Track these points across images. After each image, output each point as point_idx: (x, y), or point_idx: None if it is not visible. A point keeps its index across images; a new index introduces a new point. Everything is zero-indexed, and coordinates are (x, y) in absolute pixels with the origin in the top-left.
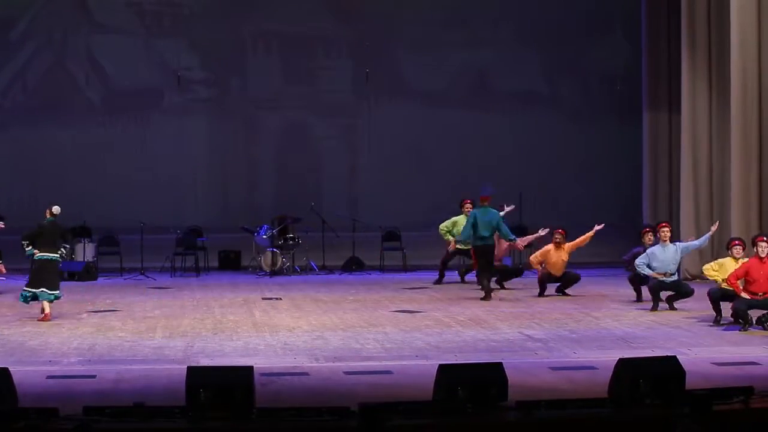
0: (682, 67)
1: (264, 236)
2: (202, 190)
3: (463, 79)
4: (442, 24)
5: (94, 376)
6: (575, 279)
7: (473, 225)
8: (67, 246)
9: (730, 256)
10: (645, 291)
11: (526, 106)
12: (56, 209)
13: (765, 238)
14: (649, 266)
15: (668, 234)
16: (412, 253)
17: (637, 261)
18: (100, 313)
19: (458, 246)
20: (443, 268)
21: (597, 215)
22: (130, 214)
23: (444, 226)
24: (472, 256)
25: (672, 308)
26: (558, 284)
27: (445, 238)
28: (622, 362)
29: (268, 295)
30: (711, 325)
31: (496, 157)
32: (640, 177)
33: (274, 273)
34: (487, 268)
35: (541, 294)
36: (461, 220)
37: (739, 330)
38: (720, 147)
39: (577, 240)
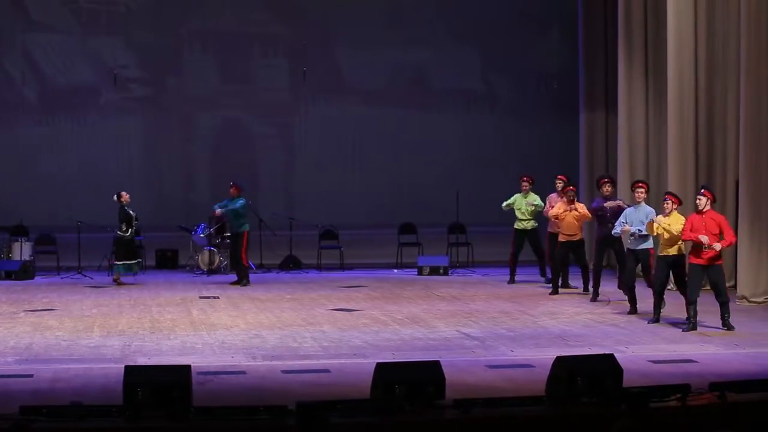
0: (619, 67)
1: (201, 235)
2: (139, 188)
3: (401, 78)
4: (380, 22)
5: (30, 376)
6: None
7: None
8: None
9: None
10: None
11: (464, 105)
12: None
13: (702, 191)
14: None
15: (642, 194)
16: (349, 252)
17: (615, 224)
18: (36, 312)
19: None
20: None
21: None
22: (67, 213)
23: (506, 204)
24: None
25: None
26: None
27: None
28: (559, 360)
29: (206, 294)
30: (650, 323)
31: (433, 156)
32: (577, 175)
33: (211, 272)
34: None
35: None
36: (519, 198)
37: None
38: (656, 146)
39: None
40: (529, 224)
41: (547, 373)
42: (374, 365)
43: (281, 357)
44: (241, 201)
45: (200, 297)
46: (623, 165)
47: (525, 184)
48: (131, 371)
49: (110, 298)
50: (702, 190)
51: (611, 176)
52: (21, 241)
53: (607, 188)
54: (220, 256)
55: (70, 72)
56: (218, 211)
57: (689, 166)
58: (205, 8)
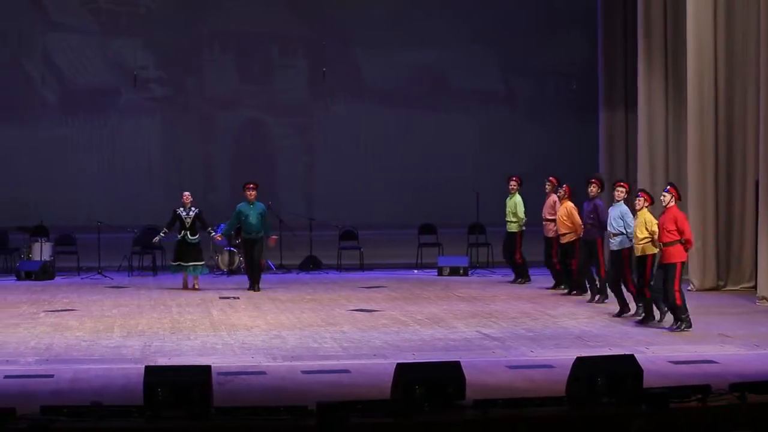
0: (639, 66)
1: (219, 233)
2: (159, 189)
3: (420, 78)
4: (399, 23)
5: (51, 376)
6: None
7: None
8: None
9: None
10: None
11: (483, 105)
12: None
13: (668, 188)
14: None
15: (621, 194)
16: (369, 252)
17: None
18: (57, 313)
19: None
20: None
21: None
22: (87, 214)
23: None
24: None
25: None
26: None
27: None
28: (579, 361)
29: (226, 295)
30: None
31: (453, 156)
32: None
33: (231, 272)
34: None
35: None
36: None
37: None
38: (676, 146)
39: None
40: (512, 226)
41: (567, 373)
42: (394, 366)
43: (301, 357)
44: (261, 206)
45: (220, 297)
46: (643, 165)
47: (513, 185)
48: (151, 371)
49: (130, 299)
50: (668, 187)
51: (600, 177)
52: (41, 242)
53: (591, 189)
54: (240, 257)
55: (90, 72)
56: (218, 236)
57: (708, 166)
58: (224, 9)
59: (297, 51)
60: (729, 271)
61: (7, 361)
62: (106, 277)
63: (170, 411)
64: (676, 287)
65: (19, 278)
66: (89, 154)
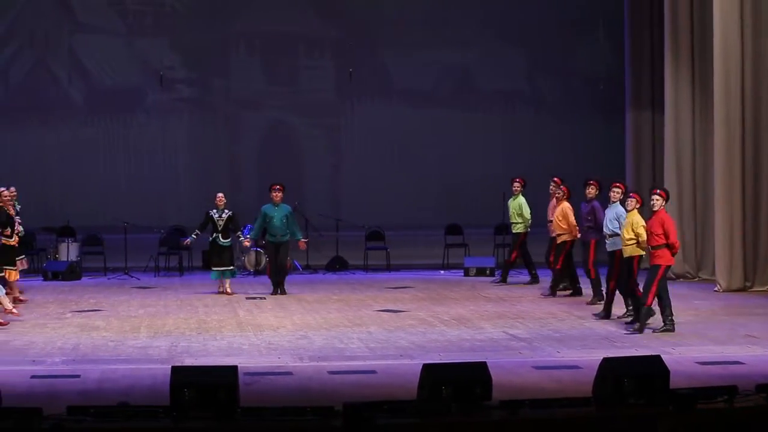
0: (665, 68)
1: (247, 235)
2: (185, 189)
3: (446, 79)
4: (425, 23)
5: (78, 376)
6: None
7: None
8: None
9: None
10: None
11: (509, 106)
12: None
13: (657, 191)
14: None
15: (617, 195)
16: (396, 253)
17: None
18: (84, 313)
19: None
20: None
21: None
22: (114, 214)
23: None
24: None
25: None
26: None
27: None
28: (606, 361)
29: (252, 295)
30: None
31: (479, 157)
32: (623, 176)
33: (257, 272)
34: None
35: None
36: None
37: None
38: (703, 147)
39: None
40: (518, 227)
41: (594, 374)
42: (421, 366)
43: (328, 358)
44: (287, 207)
45: (247, 298)
46: (669, 166)
47: (516, 186)
48: (178, 372)
49: (157, 299)
50: (658, 190)
51: (598, 179)
52: (68, 242)
53: (589, 190)
54: (266, 257)
55: (117, 73)
56: (247, 241)
57: (735, 167)
58: (250, 9)
59: (323, 51)
60: (756, 272)
61: (34, 361)
62: (132, 277)
63: (197, 411)
64: (654, 289)
65: (46, 278)
66: (115, 154)
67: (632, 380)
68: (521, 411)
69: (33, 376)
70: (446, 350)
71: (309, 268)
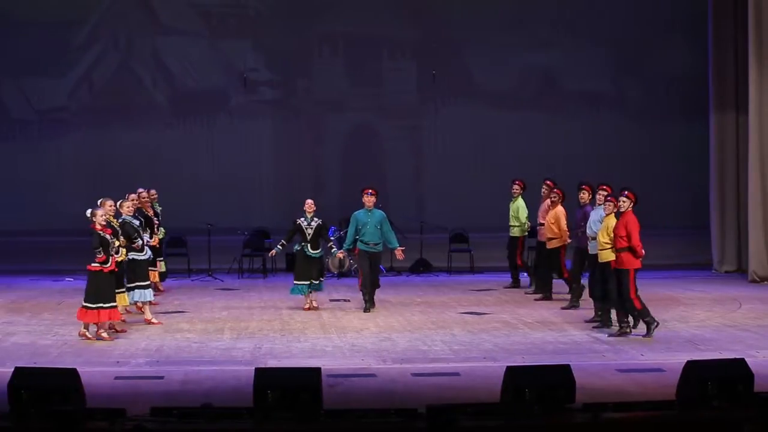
0: (750, 68)
1: (332, 238)
2: (269, 191)
3: (528, 80)
4: (507, 25)
5: (161, 377)
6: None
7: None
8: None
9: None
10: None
11: (592, 107)
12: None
13: (625, 192)
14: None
15: (603, 197)
16: (479, 255)
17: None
18: (168, 315)
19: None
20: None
21: (663, 217)
22: (197, 216)
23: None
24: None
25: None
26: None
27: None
28: (690, 364)
29: (336, 297)
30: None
31: (562, 158)
32: (707, 178)
33: (341, 275)
34: None
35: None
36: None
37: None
38: None
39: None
40: (515, 231)
41: (677, 377)
42: (504, 369)
43: (411, 360)
44: (381, 213)
45: (330, 300)
46: (754, 168)
47: (516, 189)
48: (261, 373)
49: (240, 301)
50: (625, 192)
51: (590, 183)
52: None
53: (582, 195)
54: (350, 259)
55: (200, 75)
56: (341, 253)
57: None
58: (333, 11)
59: (406, 53)
60: None
61: (118, 362)
62: (216, 279)
63: (280, 413)
64: (632, 294)
65: None
66: (199, 155)
67: (716, 383)
68: (604, 414)
69: (117, 377)
70: (529, 353)
71: (393, 271)
